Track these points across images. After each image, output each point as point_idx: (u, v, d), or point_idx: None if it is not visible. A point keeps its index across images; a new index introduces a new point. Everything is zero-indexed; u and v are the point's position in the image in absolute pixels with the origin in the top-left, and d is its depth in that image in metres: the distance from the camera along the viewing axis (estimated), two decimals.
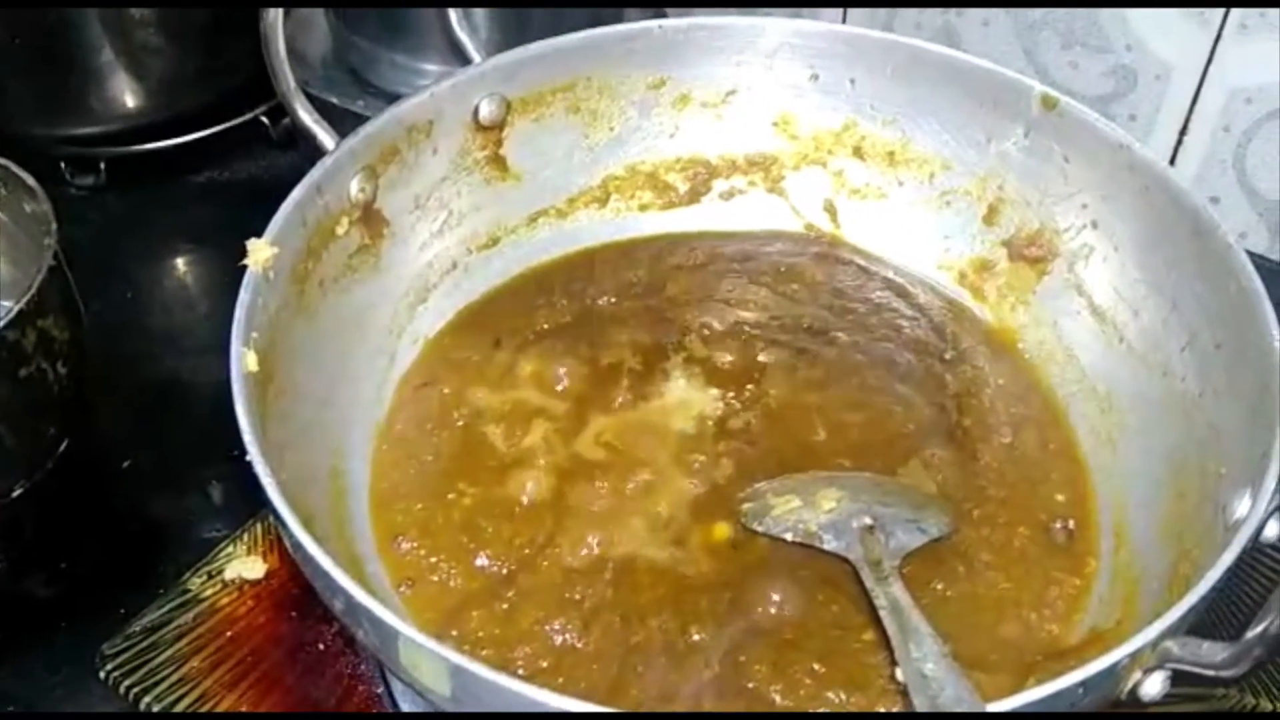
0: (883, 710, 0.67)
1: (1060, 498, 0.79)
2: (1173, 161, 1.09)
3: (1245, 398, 0.70)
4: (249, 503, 0.89)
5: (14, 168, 0.90)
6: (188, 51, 1.16)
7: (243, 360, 0.67)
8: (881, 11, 1.17)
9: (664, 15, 0.93)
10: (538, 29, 0.91)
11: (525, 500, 0.78)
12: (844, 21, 1.19)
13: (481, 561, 0.74)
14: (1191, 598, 0.58)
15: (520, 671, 0.68)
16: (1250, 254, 0.74)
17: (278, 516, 0.61)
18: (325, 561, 0.59)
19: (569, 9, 1.07)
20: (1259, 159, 1.05)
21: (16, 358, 0.82)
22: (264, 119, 1.22)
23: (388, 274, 0.85)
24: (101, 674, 0.79)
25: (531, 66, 0.89)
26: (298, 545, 0.60)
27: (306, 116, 0.80)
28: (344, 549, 0.72)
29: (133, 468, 0.95)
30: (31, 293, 0.82)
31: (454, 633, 0.70)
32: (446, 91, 0.85)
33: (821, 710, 0.67)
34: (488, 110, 0.88)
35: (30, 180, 0.90)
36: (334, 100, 1.09)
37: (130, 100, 1.16)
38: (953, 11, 1.13)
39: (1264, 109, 1.02)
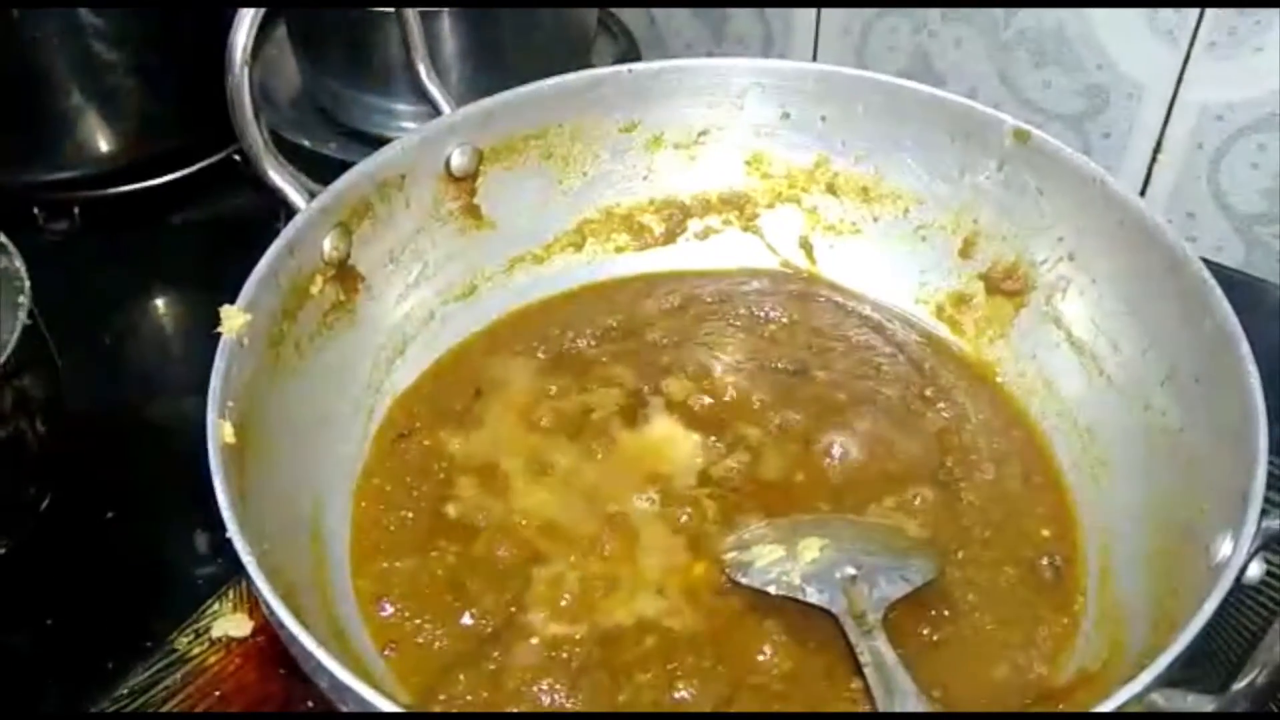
0: None
1: (1046, 533, 0.79)
2: (1147, 179, 1.09)
3: (1226, 434, 0.70)
4: (231, 555, 0.88)
5: None
6: (158, 93, 1.16)
7: (219, 432, 0.67)
8: (855, 33, 1.17)
9: (637, 59, 0.93)
10: (507, 77, 0.90)
11: (508, 555, 0.77)
12: (818, 22, 1.19)
13: (466, 620, 0.74)
14: (1175, 647, 0.58)
15: None
16: (1224, 268, 0.74)
17: (260, 595, 0.61)
18: (309, 641, 0.59)
19: (538, 55, 1.06)
20: (1232, 175, 1.05)
21: None
22: (236, 157, 1.21)
23: (364, 329, 0.85)
24: None
25: (502, 115, 0.89)
26: (281, 624, 0.60)
27: (276, 176, 0.80)
28: (327, 615, 0.72)
29: (116, 519, 0.94)
30: (6, 354, 0.81)
31: (441, 696, 0.70)
32: (417, 144, 0.85)
33: None
34: (459, 161, 0.88)
35: (1, 237, 0.89)
36: (305, 143, 1.09)
37: (102, 144, 1.16)
38: (925, 33, 1.13)
39: (1235, 125, 1.03)
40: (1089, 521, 0.80)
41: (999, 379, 0.89)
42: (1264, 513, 0.63)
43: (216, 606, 0.85)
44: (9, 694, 0.83)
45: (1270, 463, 0.66)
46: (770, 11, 1.21)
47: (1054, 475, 0.83)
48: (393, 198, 0.85)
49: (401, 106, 1.07)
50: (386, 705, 0.56)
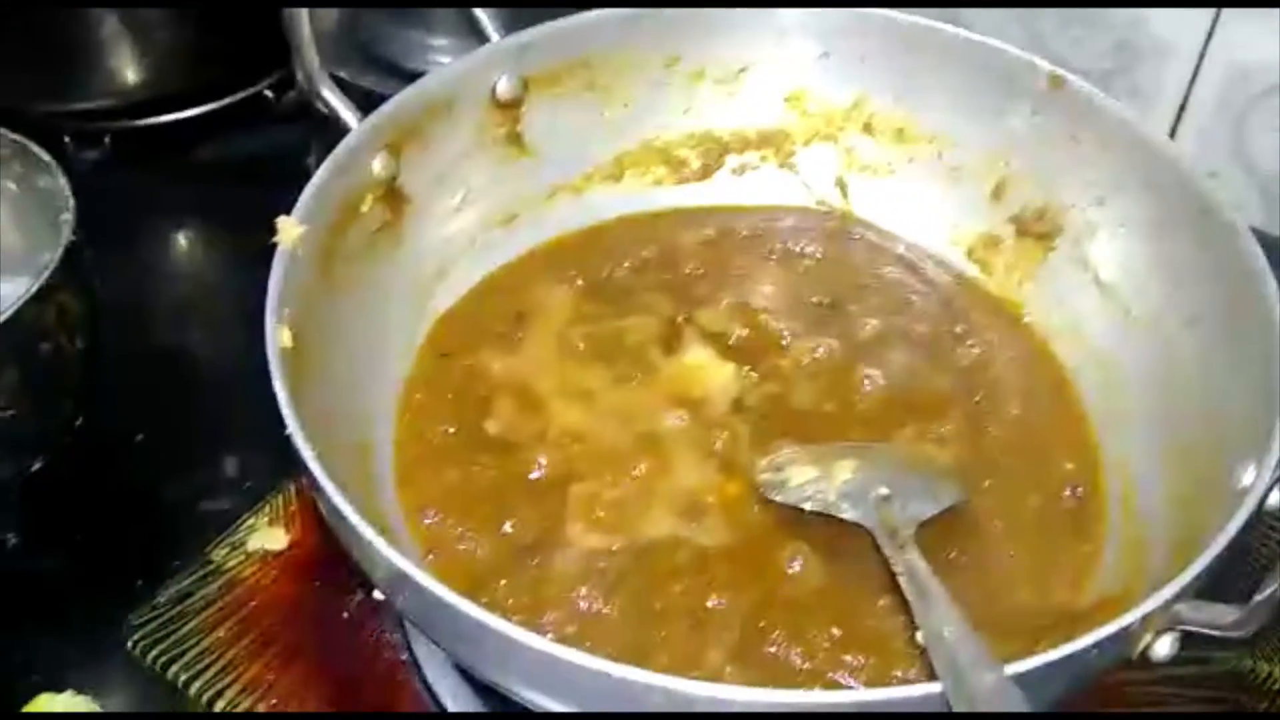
0: (899, 673, 0.69)
1: (1069, 465, 0.81)
2: (1173, 136, 1.11)
3: (1249, 372, 0.71)
4: (262, 475, 0.90)
5: (30, 145, 0.90)
6: (191, 26, 1.17)
7: (278, 336, 0.68)
8: None
9: None
10: (554, 7, 0.91)
11: (546, 472, 0.79)
12: None
13: (506, 529, 0.75)
14: (1201, 562, 0.60)
15: (550, 636, 0.70)
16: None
17: (319, 489, 0.62)
18: (367, 530, 0.60)
19: None
20: (1256, 134, 1.06)
21: (37, 333, 0.83)
22: (268, 92, 1.22)
23: (410, 250, 0.86)
24: (129, 644, 0.80)
25: (548, 45, 0.90)
26: (340, 516, 0.61)
27: (332, 96, 0.80)
28: (375, 522, 0.73)
29: (146, 442, 0.95)
30: (53, 267, 0.82)
31: (483, 600, 0.71)
32: (465, 70, 0.87)
33: (842, 672, 0.69)
34: (505, 88, 0.89)
35: (45, 156, 0.90)
36: (344, 76, 1.09)
37: (133, 75, 1.17)
38: None
39: (1261, 85, 1.04)
40: (1112, 456, 0.81)
41: (1027, 319, 0.90)
42: None
43: (252, 520, 0.87)
44: (40, 608, 0.85)
45: None
46: None
47: (1078, 413, 0.84)
48: (440, 122, 0.86)
49: (441, 41, 1.08)
50: (443, 591, 0.58)
